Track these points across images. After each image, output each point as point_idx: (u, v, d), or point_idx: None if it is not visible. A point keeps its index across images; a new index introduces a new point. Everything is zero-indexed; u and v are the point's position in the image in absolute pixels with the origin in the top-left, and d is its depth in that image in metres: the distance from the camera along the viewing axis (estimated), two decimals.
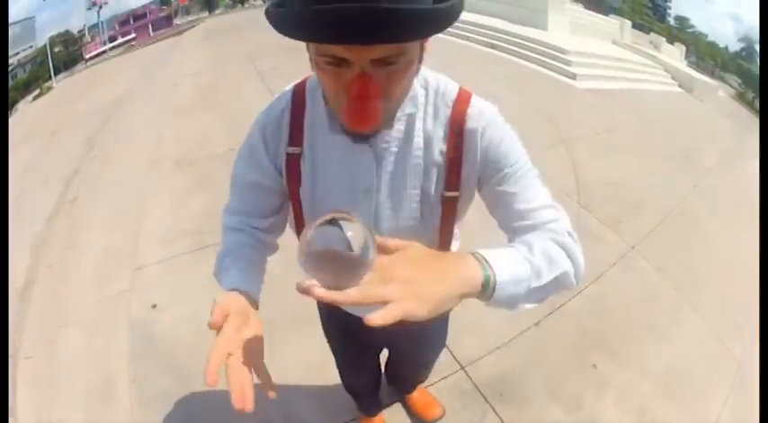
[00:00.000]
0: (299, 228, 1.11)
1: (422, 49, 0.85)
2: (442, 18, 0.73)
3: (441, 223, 1.06)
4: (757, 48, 21.63)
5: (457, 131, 0.96)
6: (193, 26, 25.48)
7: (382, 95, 0.79)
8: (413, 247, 0.68)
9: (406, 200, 1.01)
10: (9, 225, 4.54)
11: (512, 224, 0.97)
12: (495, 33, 11.46)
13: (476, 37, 11.44)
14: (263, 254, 1.11)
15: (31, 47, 31.21)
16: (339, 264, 0.59)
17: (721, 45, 24.86)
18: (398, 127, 0.95)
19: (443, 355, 2.49)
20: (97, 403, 2.61)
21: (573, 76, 9.22)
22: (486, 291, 0.72)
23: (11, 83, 29.28)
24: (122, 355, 2.83)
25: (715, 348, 2.96)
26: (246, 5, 33.99)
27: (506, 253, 0.80)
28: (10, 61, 30.66)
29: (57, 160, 6.70)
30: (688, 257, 3.73)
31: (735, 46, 23.92)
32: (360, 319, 0.61)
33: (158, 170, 5.15)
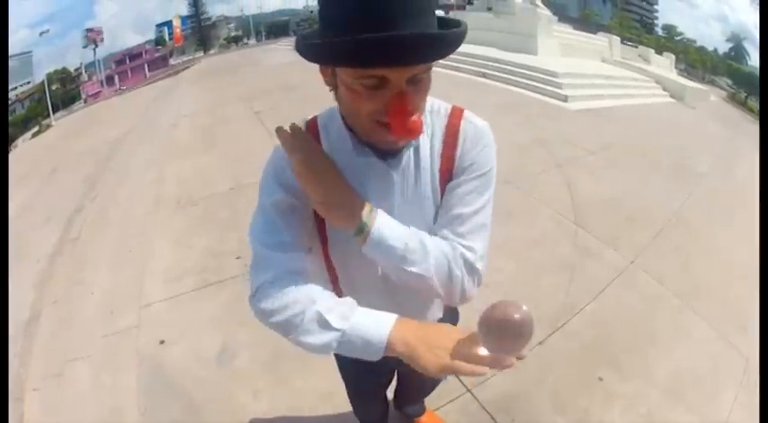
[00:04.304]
0: (327, 261, 1.17)
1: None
2: (459, 40, 0.88)
3: None
4: (746, 45, 21.93)
5: (453, 140, 1.07)
6: (189, 66, 25.85)
7: (415, 110, 0.92)
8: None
9: (426, 207, 1.09)
10: (11, 261, 4.60)
11: (441, 230, 1.07)
12: (486, 62, 11.72)
13: (467, 67, 11.69)
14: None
15: (28, 82, 31.38)
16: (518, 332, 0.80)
17: (710, 48, 25.12)
18: (410, 146, 1.06)
19: (450, 380, 2.52)
20: None
21: (564, 99, 9.39)
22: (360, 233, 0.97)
23: (9, 118, 29.45)
24: (131, 388, 2.85)
25: (720, 348, 2.98)
26: (240, 45, 34.52)
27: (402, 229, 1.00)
28: (9, 97, 30.89)
29: (58, 199, 6.78)
30: (687, 265, 3.78)
31: (723, 47, 24.15)
32: None
33: (160, 210, 5.21)
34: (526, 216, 4.30)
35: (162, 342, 3.18)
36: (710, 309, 3.29)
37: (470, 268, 1.04)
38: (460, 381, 2.61)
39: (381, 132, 0.94)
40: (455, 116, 1.09)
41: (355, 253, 1.02)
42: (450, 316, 1.44)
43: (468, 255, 1.03)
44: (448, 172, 1.07)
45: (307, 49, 0.88)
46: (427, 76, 0.92)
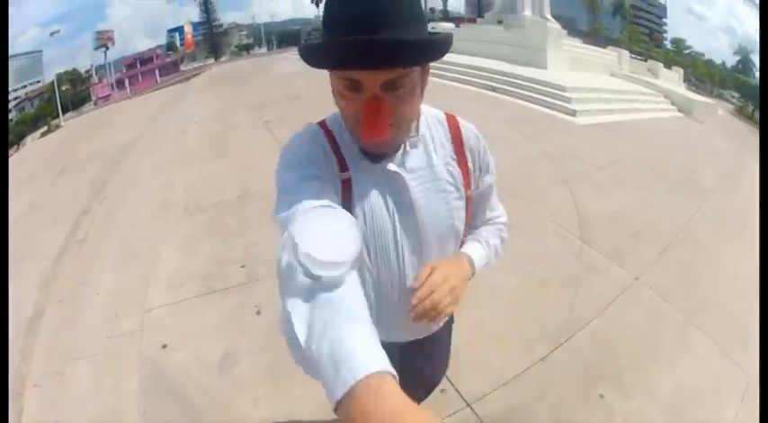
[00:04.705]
0: None
1: (423, 78, 1.03)
2: (436, 47, 0.92)
3: (465, 220, 1.24)
4: (753, 57, 21.90)
5: (457, 141, 1.18)
6: (200, 73, 25.95)
7: (392, 115, 0.96)
8: (436, 265, 1.13)
9: (443, 205, 1.17)
10: (15, 258, 4.62)
11: (477, 222, 1.37)
12: (495, 76, 11.77)
13: (477, 80, 11.79)
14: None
15: (38, 82, 31.67)
16: None
17: (718, 62, 25.13)
18: (419, 146, 1.14)
19: (449, 393, 2.52)
20: None
21: (573, 113, 9.43)
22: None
23: (18, 115, 29.62)
24: (131, 390, 2.86)
25: (723, 365, 2.96)
26: (251, 53, 34.68)
27: (481, 252, 1.31)
28: (17, 94, 31.06)
29: (65, 200, 6.83)
30: (693, 281, 3.76)
31: (731, 60, 24.19)
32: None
33: (167, 215, 5.25)
34: (531, 231, 4.29)
35: (164, 346, 3.18)
36: (715, 325, 3.27)
37: (505, 224, 1.42)
38: (460, 395, 2.60)
39: (359, 132, 1.00)
40: (452, 122, 1.20)
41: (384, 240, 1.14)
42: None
43: (503, 219, 1.42)
44: (467, 166, 1.20)
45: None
46: (408, 84, 0.95)
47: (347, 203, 1.09)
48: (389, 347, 0.98)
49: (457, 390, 2.62)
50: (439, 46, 0.93)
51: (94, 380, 3.02)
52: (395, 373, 0.66)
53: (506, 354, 2.91)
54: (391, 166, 1.09)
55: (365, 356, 0.65)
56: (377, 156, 1.09)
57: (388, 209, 1.12)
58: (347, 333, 0.69)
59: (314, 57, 0.91)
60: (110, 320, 3.55)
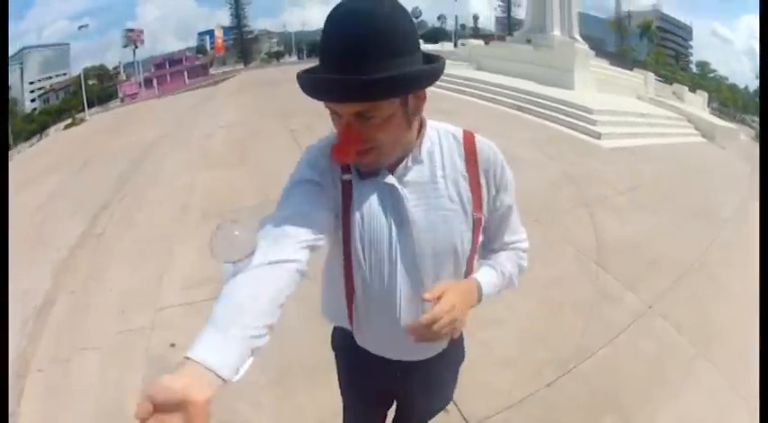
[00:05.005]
0: (347, 262, 1.21)
1: (414, 104, 1.07)
2: (400, 84, 0.97)
3: (471, 246, 1.22)
4: None
5: (472, 159, 1.18)
6: (228, 77, 26.11)
7: (368, 140, 1.04)
8: (449, 288, 1.10)
9: (441, 223, 1.16)
10: (31, 245, 4.67)
11: (496, 246, 1.33)
12: (522, 95, 11.75)
13: (504, 99, 11.78)
14: (286, 283, 0.95)
15: (65, 74, 32.24)
16: None
17: (741, 86, 24.84)
18: (422, 162, 1.15)
19: (453, 414, 2.49)
20: None
21: (598, 136, 9.37)
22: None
23: (42, 106, 30.13)
24: (136, 386, 2.89)
25: (729, 398, 2.91)
26: (281, 61, 34.86)
27: (494, 281, 1.27)
28: (42, 84, 31.57)
29: (86, 193, 6.96)
30: (705, 312, 3.70)
31: (753, 84, 23.96)
32: (383, 370, 1.09)
33: (186, 217, 5.31)
34: (549, 254, 4.25)
35: (173, 345, 3.20)
36: (724, 357, 3.21)
37: (525, 251, 1.36)
38: (462, 415, 2.58)
39: None
40: (468, 138, 1.20)
41: (381, 258, 1.16)
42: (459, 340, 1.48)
43: (524, 245, 1.35)
44: (478, 186, 1.18)
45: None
46: (381, 114, 1.01)
47: (348, 204, 1.15)
48: (388, 366, 1.23)
49: (459, 410, 2.60)
50: (405, 82, 0.98)
51: (100, 371, 3.07)
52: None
53: (513, 377, 2.88)
54: (389, 179, 1.13)
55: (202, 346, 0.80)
56: (369, 173, 1.14)
57: (386, 217, 1.15)
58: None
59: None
60: (120, 316, 3.60)
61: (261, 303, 0.88)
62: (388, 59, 0.95)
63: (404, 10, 1.00)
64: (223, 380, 0.76)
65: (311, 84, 1.00)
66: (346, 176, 1.15)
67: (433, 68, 1.02)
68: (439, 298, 1.07)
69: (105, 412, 2.74)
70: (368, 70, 0.93)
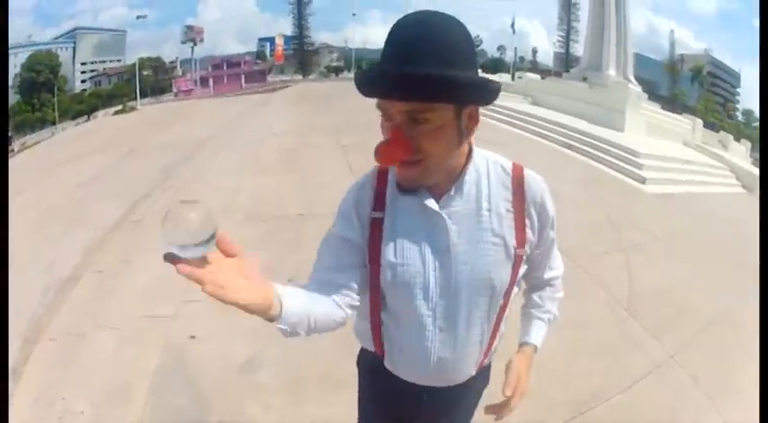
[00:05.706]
0: (374, 294, 1.19)
1: (467, 123, 1.03)
2: (455, 88, 0.94)
3: (509, 280, 1.17)
4: None
5: (519, 193, 1.14)
6: (286, 87, 26.30)
7: (416, 150, 0.99)
8: (521, 375, 1.31)
9: (481, 256, 1.12)
10: (69, 221, 4.75)
11: (534, 282, 1.37)
12: (572, 133, 11.71)
13: (555, 136, 11.76)
14: (327, 306, 1.09)
15: (119, 61, 32.95)
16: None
17: None
18: (467, 191, 1.11)
19: None
20: (110, 401, 2.73)
21: (643, 181, 9.23)
22: None
23: (92, 87, 30.90)
24: (148, 369, 2.95)
25: None
26: (340, 76, 34.97)
27: (543, 332, 1.41)
28: (95, 67, 32.35)
29: (129, 179, 7.15)
30: (724, 365, 3.56)
31: None
32: (409, 393, 1.27)
33: (228, 219, 5.35)
34: (580, 296, 4.16)
35: (192, 337, 3.26)
36: (735, 412, 3.07)
37: (561, 282, 1.41)
38: None
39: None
40: (518, 171, 1.15)
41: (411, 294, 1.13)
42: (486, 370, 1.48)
43: (560, 272, 1.38)
44: (523, 221, 1.14)
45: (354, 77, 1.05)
46: (434, 120, 0.97)
47: (375, 241, 1.13)
48: (415, 390, 1.29)
49: None
50: (462, 88, 0.95)
51: (114, 351, 3.14)
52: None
53: (525, 413, 2.82)
54: (431, 204, 1.09)
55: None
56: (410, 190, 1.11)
57: (421, 249, 1.12)
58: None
59: (357, 81, 1.01)
60: (144, 301, 3.69)
61: (318, 307, 1.05)
62: (448, 66, 0.92)
63: (467, 30, 0.99)
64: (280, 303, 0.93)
65: (368, 78, 1.00)
66: (377, 214, 1.14)
67: (490, 85, 0.99)
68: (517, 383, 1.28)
69: (111, 390, 2.80)
70: (430, 70, 0.92)
